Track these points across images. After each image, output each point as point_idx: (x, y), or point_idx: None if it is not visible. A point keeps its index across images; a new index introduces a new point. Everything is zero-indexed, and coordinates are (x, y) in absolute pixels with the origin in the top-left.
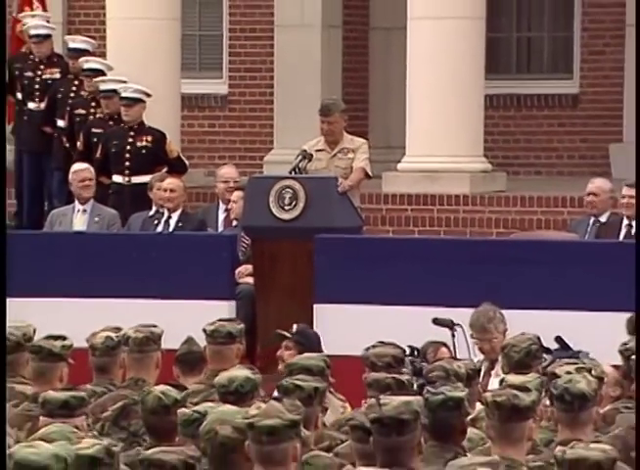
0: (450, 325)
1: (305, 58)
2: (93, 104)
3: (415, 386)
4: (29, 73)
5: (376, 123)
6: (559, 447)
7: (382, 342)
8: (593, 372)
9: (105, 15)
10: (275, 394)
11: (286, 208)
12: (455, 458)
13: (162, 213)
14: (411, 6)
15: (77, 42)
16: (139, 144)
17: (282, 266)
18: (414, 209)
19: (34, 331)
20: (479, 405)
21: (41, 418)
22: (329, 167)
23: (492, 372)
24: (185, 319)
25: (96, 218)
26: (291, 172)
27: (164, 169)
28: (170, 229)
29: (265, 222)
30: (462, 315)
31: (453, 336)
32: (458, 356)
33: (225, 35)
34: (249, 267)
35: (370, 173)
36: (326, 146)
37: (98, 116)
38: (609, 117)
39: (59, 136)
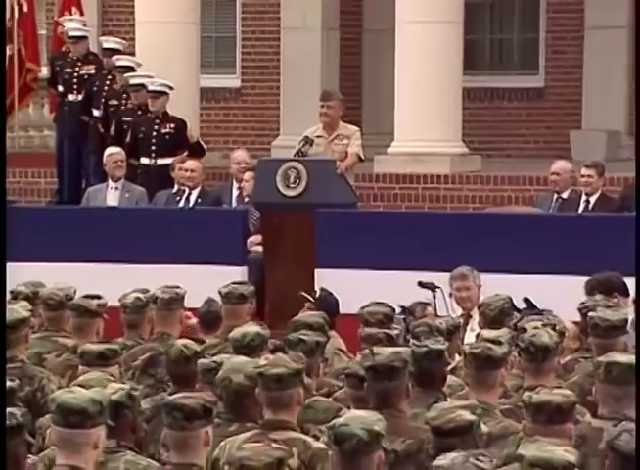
0: (432, 287)
1: (307, 56)
2: (124, 96)
3: (409, 340)
4: (69, 69)
5: (368, 113)
6: (526, 393)
7: (374, 302)
8: (556, 327)
9: (134, 19)
10: None
11: (290, 186)
12: (437, 402)
13: (184, 191)
14: (399, 11)
15: (110, 42)
16: (163, 131)
17: (287, 237)
18: (401, 187)
19: (75, 292)
20: (457, 357)
21: (80, 367)
22: (327, 151)
23: (468, 327)
24: (203, 282)
25: (126, 195)
26: (295, 155)
27: (185, 153)
28: (190, 204)
29: (273, 199)
30: (443, 279)
31: (434, 297)
32: (439, 314)
33: (238, 37)
34: (258, 237)
35: (363, 157)
36: (324, 133)
37: (128, 106)
38: (569, 108)
39: (94, 124)
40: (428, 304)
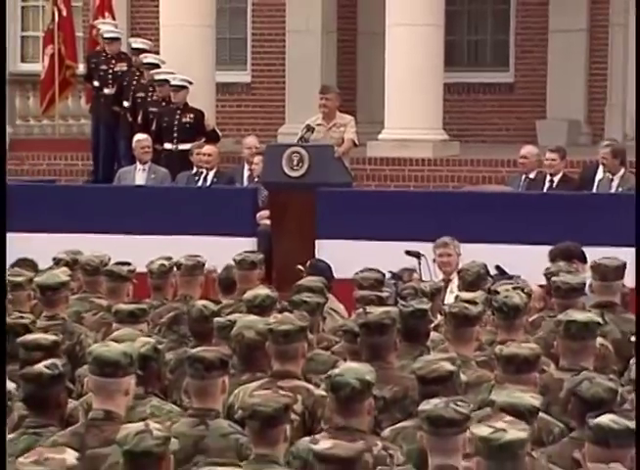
0: (418, 255)
1: (309, 55)
2: (150, 89)
3: (397, 301)
4: (103, 67)
5: (362, 104)
6: (498, 346)
7: (367, 268)
8: (524, 290)
9: (159, 22)
10: None
11: (294, 168)
12: (422, 355)
13: (202, 172)
14: (389, 16)
15: (138, 43)
16: (184, 120)
17: (291, 212)
18: (390, 169)
19: (108, 259)
20: (439, 316)
21: (113, 324)
22: (326, 138)
23: (448, 290)
24: (219, 251)
25: (152, 175)
26: (298, 141)
27: (203, 139)
28: (207, 184)
29: (279, 179)
30: (427, 248)
31: (419, 263)
32: (423, 278)
33: (248, 38)
34: (266, 212)
35: (357, 142)
36: (323, 121)
37: (153, 98)
38: (536, 100)
39: (124, 113)
40: (413, 270)
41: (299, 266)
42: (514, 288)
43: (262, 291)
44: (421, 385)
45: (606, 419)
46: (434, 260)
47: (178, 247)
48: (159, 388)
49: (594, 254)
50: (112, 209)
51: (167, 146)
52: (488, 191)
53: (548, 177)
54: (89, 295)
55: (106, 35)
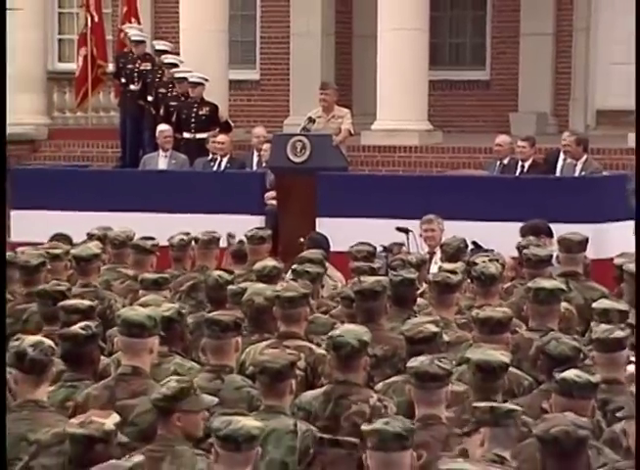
0: (406, 231)
1: (310, 56)
2: (170, 86)
3: (388, 271)
4: (130, 66)
5: (357, 99)
6: (475, 310)
7: (361, 242)
8: (498, 261)
9: (179, 27)
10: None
11: (298, 154)
12: (409, 318)
13: (216, 159)
14: (380, 21)
15: (161, 45)
16: (200, 112)
17: (295, 193)
18: (382, 155)
19: (134, 234)
20: (424, 284)
21: (140, 291)
22: (325, 128)
23: (432, 261)
24: (231, 228)
25: (173, 161)
26: (300, 131)
27: (217, 129)
28: (221, 169)
29: (284, 164)
30: (414, 224)
31: (408, 238)
32: (411, 251)
33: (257, 41)
34: (273, 194)
35: (352, 132)
36: (323, 114)
37: (174, 93)
38: (509, 95)
39: (149, 107)
40: (402, 244)
41: (301, 239)
42: (489, 259)
43: (270, 262)
44: (408, 344)
45: (570, 374)
46: (421, 235)
47: (195, 224)
48: (181, 347)
49: (560, 229)
50: (137, 190)
51: (186, 135)
52: (467, 175)
53: (520, 163)
54: (117, 265)
55: (132, 38)
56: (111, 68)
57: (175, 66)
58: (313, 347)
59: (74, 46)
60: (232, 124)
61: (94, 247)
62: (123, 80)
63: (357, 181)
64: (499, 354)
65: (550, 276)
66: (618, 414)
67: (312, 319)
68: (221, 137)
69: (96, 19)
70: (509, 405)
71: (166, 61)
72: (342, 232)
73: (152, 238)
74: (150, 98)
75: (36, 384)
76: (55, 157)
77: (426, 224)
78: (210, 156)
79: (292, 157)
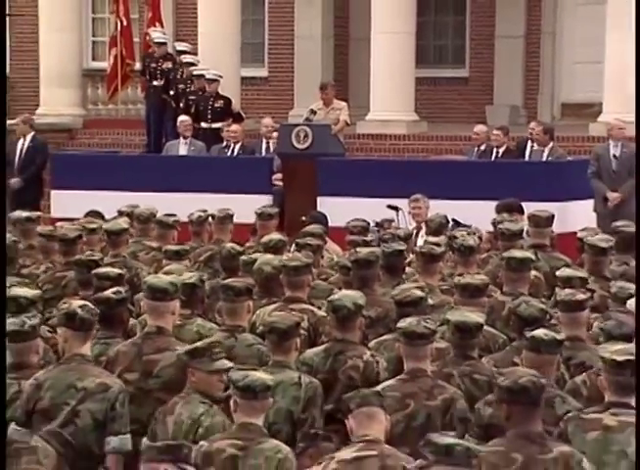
0: (396, 209)
1: (312, 55)
2: (189, 82)
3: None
4: (154, 64)
5: (353, 93)
6: (456, 277)
7: (356, 218)
8: (477, 235)
9: (197, 30)
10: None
11: (301, 142)
12: (399, 284)
13: (230, 145)
14: (373, 25)
15: (181, 46)
16: (216, 105)
17: (299, 175)
18: (375, 142)
19: (157, 211)
20: (412, 255)
21: (163, 261)
22: (325, 119)
23: (419, 235)
24: (244, 205)
25: (192, 148)
26: (303, 121)
27: (230, 120)
28: (234, 154)
29: (289, 150)
30: (403, 203)
31: (397, 215)
32: (400, 226)
33: (266, 42)
34: (279, 176)
35: (349, 122)
36: (323, 106)
37: (192, 89)
38: (485, 90)
39: (170, 100)
40: (392, 220)
41: (303, 217)
42: (468, 233)
43: (276, 236)
44: (398, 307)
45: (539, 332)
46: (409, 212)
47: (212, 202)
48: (201, 310)
49: (529, 207)
50: (161, 173)
51: (203, 125)
52: (449, 159)
53: (495, 149)
54: (143, 239)
55: (156, 40)
56: (137, 66)
57: (193, 64)
58: (315, 309)
59: (106, 47)
60: (243, 116)
61: (123, 222)
62: (148, 77)
63: (353, 165)
64: (475, 316)
65: (521, 248)
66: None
67: (314, 286)
68: (234, 127)
69: (125, 23)
70: (466, 443)
71: (186, 60)
72: (339, 209)
73: (173, 215)
74: (171, 92)
75: (83, 340)
76: (89, 144)
77: (413, 203)
78: (225, 143)
79: (296, 144)
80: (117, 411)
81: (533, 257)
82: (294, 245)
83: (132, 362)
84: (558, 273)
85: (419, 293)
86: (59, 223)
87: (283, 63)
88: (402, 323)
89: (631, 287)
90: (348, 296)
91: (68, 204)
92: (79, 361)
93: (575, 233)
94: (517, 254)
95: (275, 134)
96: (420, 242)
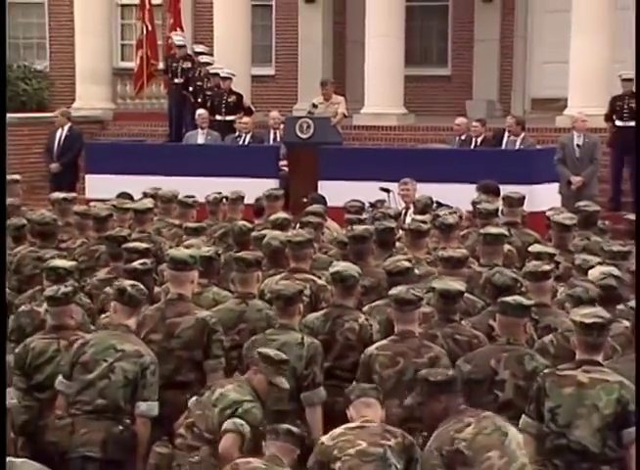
0: (387, 190)
1: (314, 56)
2: (205, 79)
3: (373, 222)
4: (175, 64)
5: (349, 89)
6: (440, 251)
7: (353, 199)
8: (457, 214)
9: (213, 34)
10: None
11: (304, 132)
12: (390, 257)
13: (241, 135)
14: (368, 30)
15: (199, 48)
16: (229, 100)
17: (302, 162)
18: (369, 132)
19: (179, 192)
20: (401, 231)
21: (183, 236)
22: (325, 112)
23: (407, 214)
24: (253, 188)
25: (209, 137)
26: (306, 114)
27: (242, 113)
28: (246, 143)
29: (294, 139)
30: (393, 186)
31: (389, 196)
32: (391, 206)
33: (273, 44)
34: (285, 162)
35: (346, 115)
36: (323, 101)
37: (208, 85)
38: (465, 87)
39: (189, 96)
40: (384, 200)
41: (304, 199)
42: (450, 213)
43: (282, 215)
44: (389, 276)
45: (509, 298)
46: (399, 194)
47: (226, 185)
48: (217, 280)
49: (504, 189)
50: (181, 160)
51: (218, 117)
52: (434, 148)
53: (473, 139)
54: (166, 217)
55: (177, 43)
56: (161, 66)
57: (210, 64)
58: (316, 279)
59: (133, 49)
60: (253, 109)
61: (148, 202)
62: (170, 75)
63: (350, 153)
64: (456, 284)
65: (496, 225)
66: None
67: (315, 258)
68: (245, 119)
69: (150, 28)
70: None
71: (203, 60)
72: (338, 192)
73: (192, 196)
74: (190, 89)
75: (129, 314)
76: (118, 134)
77: (402, 185)
78: (237, 133)
79: (299, 134)
80: (148, 380)
81: (507, 233)
82: (298, 222)
83: (157, 325)
84: (530, 249)
85: (407, 264)
86: (92, 203)
87: (288, 62)
88: (393, 291)
89: (592, 259)
90: (347, 267)
91: (100, 186)
92: (123, 330)
93: (544, 212)
94: (492, 230)
95: (281, 125)
96: (408, 220)
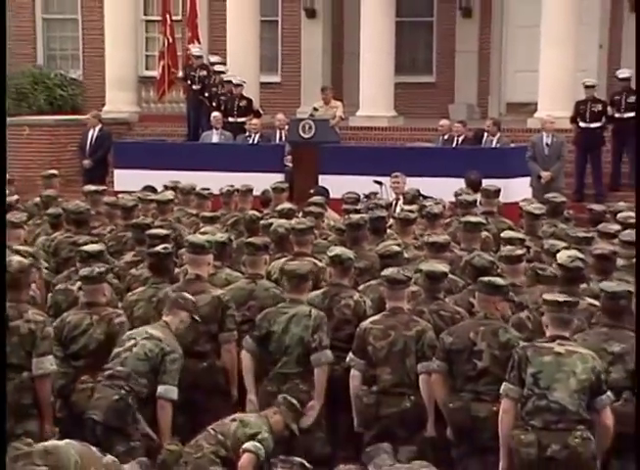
0: (380, 183)
1: (315, 66)
2: (220, 86)
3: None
4: (193, 73)
5: (347, 95)
6: (426, 237)
7: (349, 191)
8: (441, 204)
9: (226, 46)
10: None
11: (306, 132)
12: (382, 242)
13: (251, 135)
14: (362, 44)
15: (214, 58)
16: (240, 104)
17: (305, 158)
18: (363, 133)
19: (196, 185)
20: (392, 220)
21: (200, 224)
22: (325, 114)
23: (397, 204)
24: (261, 182)
25: (222, 137)
26: (308, 117)
27: (252, 115)
28: (255, 142)
29: (297, 139)
30: (385, 179)
31: (381, 189)
32: (383, 197)
33: (279, 55)
34: (289, 158)
35: (343, 117)
36: (323, 105)
37: (222, 91)
38: (448, 92)
39: (205, 100)
40: (377, 192)
41: (311, 190)
42: (435, 203)
43: (287, 205)
44: (381, 259)
45: (486, 278)
46: (390, 186)
47: (237, 179)
48: (229, 262)
49: (482, 183)
50: (198, 156)
51: (231, 119)
52: (420, 146)
53: (455, 138)
54: (184, 207)
55: (194, 54)
56: (180, 74)
57: (223, 72)
58: (317, 261)
59: (156, 59)
60: (262, 112)
61: (169, 194)
62: (189, 82)
63: (346, 150)
64: (440, 266)
65: (475, 214)
66: None
67: (316, 243)
68: (254, 121)
69: (170, 41)
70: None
71: (217, 69)
72: (336, 185)
73: (208, 188)
74: (206, 94)
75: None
76: (143, 134)
77: (393, 179)
78: (247, 133)
79: (302, 134)
80: (167, 366)
81: (484, 221)
82: (301, 212)
83: None
84: (502, 235)
85: (397, 248)
86: (120, 195)
87: (292, 71)
88: (385, 272)
89: (559, 243)
90: (344, 251)
91: (127, 180)
92: (163, 326)
93: (517, 203)
94: (471, 219)
95: (286, 126)
96: (398, 210)
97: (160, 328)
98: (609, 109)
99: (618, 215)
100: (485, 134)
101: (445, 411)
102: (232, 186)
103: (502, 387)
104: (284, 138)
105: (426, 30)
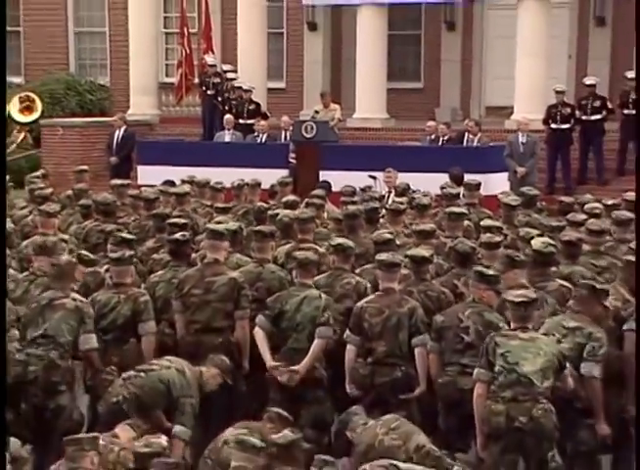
0: (374, 178)
1: (315, 73)
2: (232, 91)
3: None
4: (207, 79)
5: (344, 99)
6: (414, 225)
7: (347, 185)
8: (428, 196)
9: (237, 55)
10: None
11: (308, 132)
12: (375, 230)
13: (259, 135)
14: (359, 54)
15: (226, 66)
16: (250, 107)
17: (307, 156)
18: (359, 133)
19: (210, 180)
20: (384, 210)
21: (214, 214)
22: (325, 117)
23: (390, 197)
24: (268, 176)
25: (234, 136)
26: (310, 119)
27: (260, 117)
28: (263, 141)
29: (300, 138)
30: (379, 174)
31: (375, 182)
32: (376, 190)
33: (285, 65)
34: (293, 156)
35: (341, 119)
36: (323, 108)
37: (233, 96)
38: (434, 97)
39: (219, 104)
40: (371, 186)
41: (316, 184)
42: (423, 195)
43: (292, 197)
44: (375, 246)
45: (479, 268)
46: (383, 181)
47: (247, 174)
48: (240, 248)
49: (465, 177)
50: (212, 154)
51: (241, 121)
52: (410, 145)
53: (441, 138)
54: (200, 199)
55: (209, 63)
56: (196, 80)
57: (234, 79)
58: (318, 248)
59: (175, 68)
60: (269, 115)
61: (186, 187)
62: (204, 88)
63: (344, 149)
64: (424, 252)
65: (458, 205)
66: None
67: (317, 232)
68: (262, 122)
69: (188, 51)
70: None
71: (229, 76)
72: (335, 179)
73: (221, 182)
74: (219, 99)
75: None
76: (163, 134)
77: (386, 174)
78: (256, 133)
79: (305, 134)
80: (186, 409)
81: (467, 212)
82: (304, 203)
83: (197, 282)
84: (481, 223)
85: (389, 236)
86: (143, 188)
87: (296, 78)
88: (380, 256)
89: (532, 231)
90: (342, 240)
91: (149, 175)
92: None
93: (496, 195)
94: (455, 209)
95: (290, 127)
96: (390, 201)
97: (191, 373)
98: (577, 112)
99: (585, 206)
100: (467, 134)
101: (436, 386)
102: (242, 180)
103: (474, 372)
104: (288, 138)
105: (414, 42)
